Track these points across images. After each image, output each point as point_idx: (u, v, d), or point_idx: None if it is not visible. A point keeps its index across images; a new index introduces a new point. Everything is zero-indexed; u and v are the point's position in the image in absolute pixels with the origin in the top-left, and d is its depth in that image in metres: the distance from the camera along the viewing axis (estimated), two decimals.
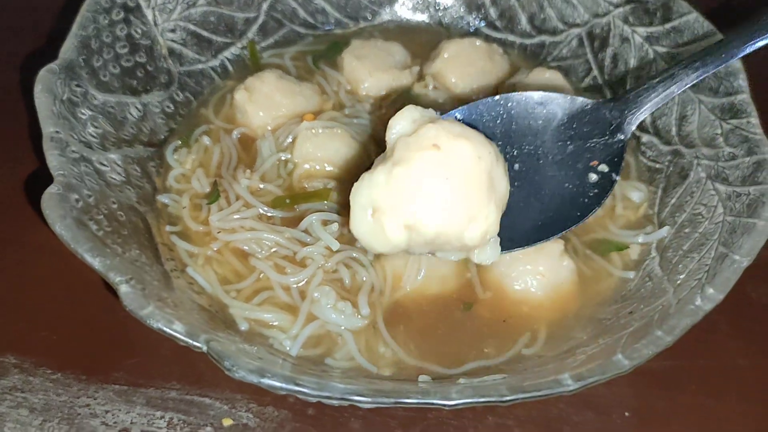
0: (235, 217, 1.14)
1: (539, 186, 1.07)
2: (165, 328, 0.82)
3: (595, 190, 1.05)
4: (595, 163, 1.07)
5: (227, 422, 1.04)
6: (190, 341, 0.82)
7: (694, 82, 1.04)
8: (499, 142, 1.07)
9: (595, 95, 1.36)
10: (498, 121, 1.10)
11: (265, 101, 1.25)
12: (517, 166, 1.09)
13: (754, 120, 1.07)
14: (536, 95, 1.10)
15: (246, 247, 1.11)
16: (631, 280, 1.08)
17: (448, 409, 0.78)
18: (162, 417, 1.04)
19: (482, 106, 1.11)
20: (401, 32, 1.48)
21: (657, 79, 1.06)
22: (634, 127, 1.07)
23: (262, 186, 1.18)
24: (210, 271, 1.09)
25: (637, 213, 1.19)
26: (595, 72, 1.37)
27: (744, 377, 1.11)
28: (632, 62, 1.31)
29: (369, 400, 0.77)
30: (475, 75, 1.35)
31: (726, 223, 1.01)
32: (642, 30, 1.29)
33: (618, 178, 1.06)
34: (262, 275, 1.09)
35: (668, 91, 1.05)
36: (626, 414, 1.06)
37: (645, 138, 1.26)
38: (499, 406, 1.04)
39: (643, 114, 1.07)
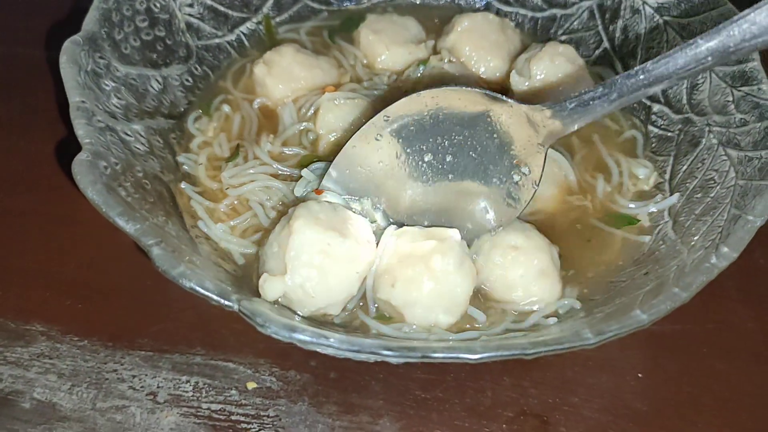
0: (249, 171, 1.16)
1: (471, 176, 1.09)
2: (197, 287, 0.84)
3: (518, 193, 1.07)
4: (519, 162, 1.08)
5: (251, 385, 1.07)
6: (222, 300, 0.84)
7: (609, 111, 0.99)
8: (430, 137, 1.08)
9: (605, 67, 1.38)
10: (426, 114, 1.09)
11: (284, 74, 1.27)
12: (449, 158, 1.10)
13: (766, 87, 1.08)
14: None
15: (255, 198, 1.13)
16: (645, 245, 1.11)
17: (473, 362, 0.80)
18: (188, 381, 1.07)
19: (411, 102, 1.09)
20: (413, 7, 1.50)
21: (592, 93, 0.99)
22: (553, 141, 1.06)
23: (286, 150, 1.20)
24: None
25: (648, 184, 1.21)
26: (606, 44, 1.39)
27: (754, 340, 1.13)
28: (643, 33, 1.33)
29: (397, 354, 0.79)
30: (489, 48, 1.36)
31: (738, 186, 1.03)
32: (653, 1, 1.31)
33: (537, 187, 1.07)
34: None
35: (597, 112, 0.99)
36: (639, 375, 1.09)
37: (656, 107, 1.28)
38: (516, 368, 1.08)
39: (572, 126, 1.03)
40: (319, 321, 1.00)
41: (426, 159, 1.09)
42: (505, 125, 1.07)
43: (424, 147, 1.09)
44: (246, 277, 1.06)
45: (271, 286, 0.96)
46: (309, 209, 1.00)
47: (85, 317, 1.13)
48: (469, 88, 1.06)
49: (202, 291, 0.84)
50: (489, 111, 1.07)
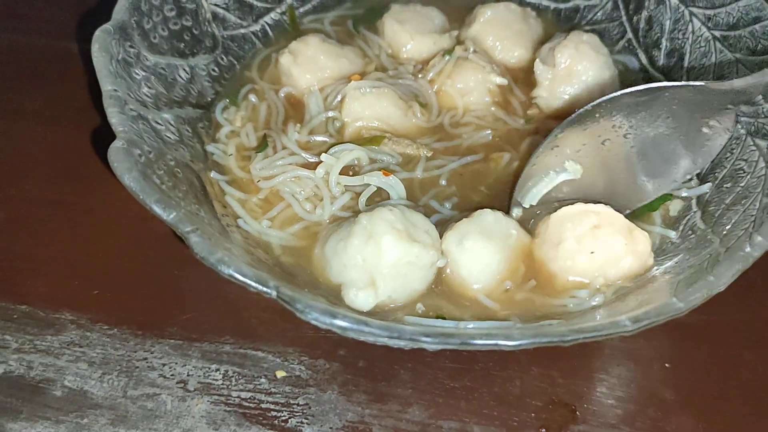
0: (279, 163, 1.17)
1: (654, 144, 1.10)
2: (236, 274, 0.84)
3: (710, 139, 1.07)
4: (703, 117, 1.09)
5: (281, 374, 1.07)
6: (261, 287, 0.84)
7: None
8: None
9: (629, 57, 1.38)
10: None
11: (310, 64, 1.28)
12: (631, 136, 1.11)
13: None
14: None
15: (287, 189, 1.14)
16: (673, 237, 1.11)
17: (510, 349, 0.81)
18: (217, 369, 1.07)
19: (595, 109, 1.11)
20: None
21: None
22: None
23: (314, 138, 1.21)
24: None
25: None
26: (630, 35, 1.39)
27: None
28: (667, 24, 1.32)
29: (436, 341, 0.80)
30: (512, 38, 1.37)
31: None
32: None
33: (731, 131, 1.08)
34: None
35: None
36: (666, 365, 1.09)
37: None
38: (544, 357, 1.09)
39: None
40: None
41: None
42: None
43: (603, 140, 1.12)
44: (279, 265, 1.06)
45: (365, 300, 0.99)
46: (386, 220, 1.01)
47: (114, 306, 1.14)
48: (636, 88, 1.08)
49: (240, 278, 0.84)
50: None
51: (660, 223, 1.14)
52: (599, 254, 1.02)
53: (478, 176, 1.21)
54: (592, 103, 1.10)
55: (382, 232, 0.99)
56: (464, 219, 1.07)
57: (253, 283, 0.84)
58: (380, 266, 0.99)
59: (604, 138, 1.11)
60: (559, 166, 1.13)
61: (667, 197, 1.15)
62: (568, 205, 1.07)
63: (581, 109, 1.10)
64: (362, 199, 1.13)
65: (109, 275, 1.17)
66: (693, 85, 1.06)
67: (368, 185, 1.14)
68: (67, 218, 1.24)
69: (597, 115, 1.10)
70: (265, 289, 0.84)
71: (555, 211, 1.07)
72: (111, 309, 1.13)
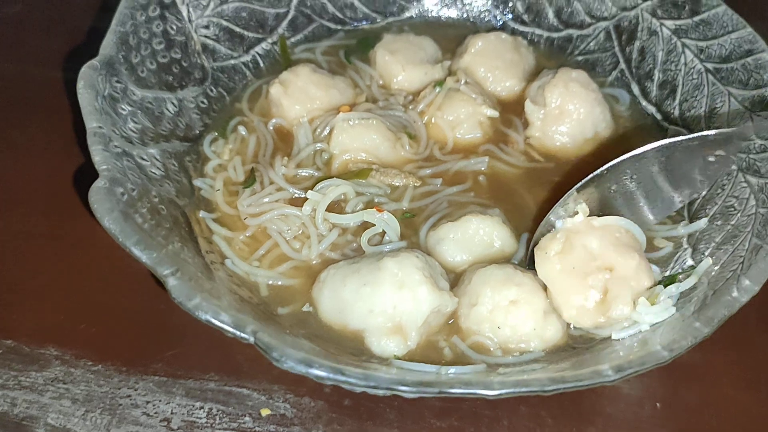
0: (265, 200, 1.16)
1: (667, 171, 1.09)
2: (213, 320, 0.83)
3: (715, 164, 1.05)
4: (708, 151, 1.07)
5: (265, 412, 1.05)
6: (238, 333, 0.83)
7: None
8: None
9: (619, 90, 1.37)
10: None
11: (300, 94, 1.27)
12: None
13: None
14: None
15: (274, 226, 1.13)
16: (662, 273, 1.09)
17: (490, 398, 0.79)
18: (201, 407, 1.06)
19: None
20: (429, 27, 1.49)
21: None
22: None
23: (301, 172, 1.20)
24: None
25: None
26: (623, 65, 1.38)
27: None
28: (660, 55, 1.32)
29: (413, 389, 0.78)
30: (504, 68, 1.36)
31: (759, 215, 1.02)
32: (670, 23, 1.30)
33: (735, 159, 1.07)
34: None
35: None
36: (657, 405, 1.07)
37: (672, 129, 1.27)
38: (532, 397, 1.06)
39: None
40: None
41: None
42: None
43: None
44: (263, 304, 1.05)
45: (397, 348, 1.00)
46: (417, 268, 1.01)
47: (100, 341, 1.13)
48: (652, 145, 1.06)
49: (217, 323, 0.83)
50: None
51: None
52: (506, 330, 1.02)
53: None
54: (603, 167, 1.08)
55: (417, 281, 1.00)
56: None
57: (231, 329, 0.83)
58: (415, 316, 0.99)
59: (611, 186, 1.10)
60: (568, 211, 1.11)
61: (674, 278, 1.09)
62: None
63: (593, 174, 1.08)
64: (364, 239, 1.12)
65: (95, 309, 1.16)
66: (706, 135, 1.05)
67: (359, 220, 1.14)
68: (54, 251, 1.24)
69: (606, 173, 1.08)
70: (242, 335, 0.83)
71: (484, 266, 1.07)
72: (96, 344, 1.12)
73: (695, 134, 1.02)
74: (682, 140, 1.03)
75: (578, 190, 1.08)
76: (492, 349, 1.02)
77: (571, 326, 1.05)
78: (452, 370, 0.93)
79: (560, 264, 1.03)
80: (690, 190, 1.11)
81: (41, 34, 1.62)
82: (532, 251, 1.08)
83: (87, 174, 0.97)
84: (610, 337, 1.00)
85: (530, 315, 1.02)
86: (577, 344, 1.02)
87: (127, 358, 1.11)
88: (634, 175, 1.07)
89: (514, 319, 1.01)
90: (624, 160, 1.06)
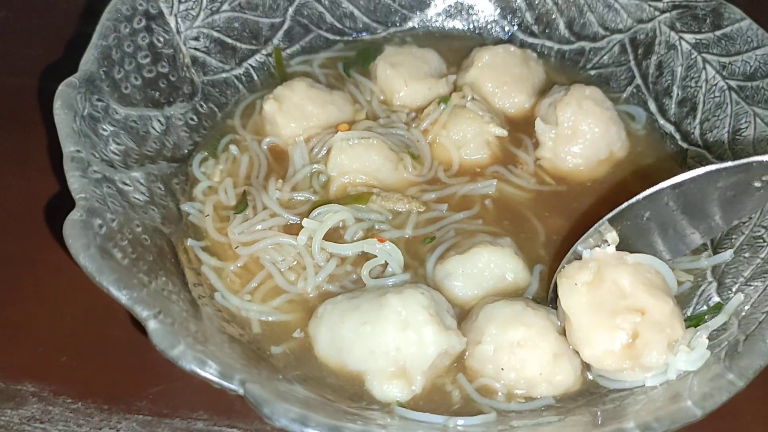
0: (258, 227, 1.09)
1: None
2: (198, 371, 0.76)
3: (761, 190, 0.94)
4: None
5: None
6: (225, 384, 0.76)
7: None
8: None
9: (635, 108, 1.30)
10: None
11: (296, 112, 1.20)
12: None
13: None
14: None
15: (267, 256, 1.06)
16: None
17: None
18: None
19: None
20: (433, 38, 1.42)
21: None
22: None
23: (296, 196, 1.13)
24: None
25: None
26: (639, 80, 1.31)
27: None
28: (679, 71, 1.25)
29: None
30: (512, 83, 1.29)
31: None
32: (690, 37, 1.23)
33: None
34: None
35: None
36: None
37: (692, 151, 1.19)
38: None
39: None
40: None
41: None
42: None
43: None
44: (255, 342, 0.98)
45: (400, 393, 0.93)
46: (422, 306, 0.94)
47: (80, 376, 1.06)
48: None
49: (203, 374, 0.76)
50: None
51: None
52: (510, 373, 0.95)
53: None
54: (640, 195, 0.97)
55: (422, 321, 0.92)
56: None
57: (217, 380, 0.76)
58: (421, 359, 0.92)
59: (645, 213, 1.00)
60: (597, 240, 1.02)
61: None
62: None
63: (629, 202, 0.97)
64: (365, 272, 1.05)
65: (75, 341, 1.10)
66: (760, 161, 0.92)
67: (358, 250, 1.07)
68: (34, 277, 1.17)
69: (643, 200, 0.97)
70: (230, 386, 0.76)
71: (492, 302, 0.99)
72: (76, 379, 1.06)
73: (745, 160, 0.92)
74: (729, 166, 0.94)
75: (609, 221, 0.99)
76: (500, 394, 0.95)
77: (584, 370, 0.97)
78: (461, 422, 0.86)
79: (587, 297, 0.94)
80: (731, 217, 0.99)
81: (24, 43, 1.54)
82: (554, 283, 1.00)
83: (64, 198, 0.90)
84: (628, 386, 0.92)
85: (537, 358, 0.94)
86: (593, 390, 0.94)
87: (109, 394, 1.04)
88: (670, 202, 0.97)
89: (519, 362, 0.94)
90: (664, 188, 0.95)
